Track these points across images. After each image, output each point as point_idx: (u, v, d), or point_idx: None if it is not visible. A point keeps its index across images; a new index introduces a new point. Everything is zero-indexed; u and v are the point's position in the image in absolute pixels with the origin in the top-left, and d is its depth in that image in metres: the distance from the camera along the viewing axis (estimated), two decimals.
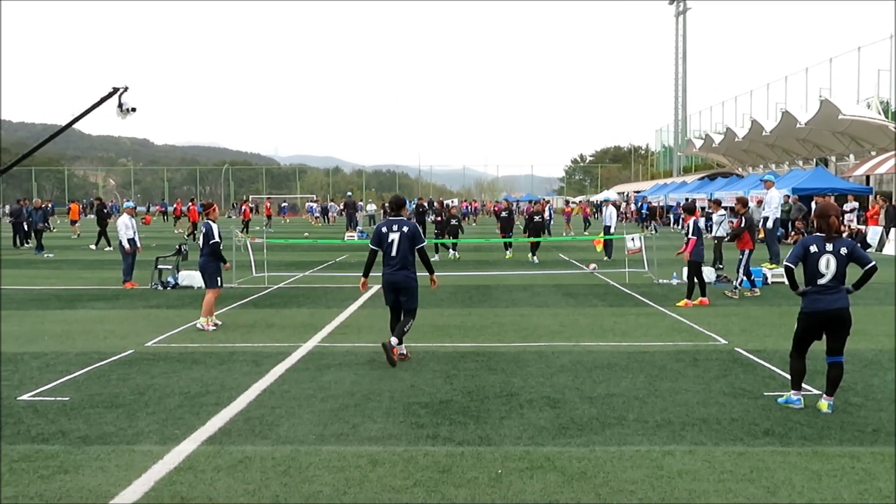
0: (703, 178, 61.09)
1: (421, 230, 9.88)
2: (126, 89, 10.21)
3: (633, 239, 20.63)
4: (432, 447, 6.28)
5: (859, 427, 6.78)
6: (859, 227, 30.10)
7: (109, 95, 9.98)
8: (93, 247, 30.98)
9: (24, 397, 7.91)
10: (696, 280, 14.48)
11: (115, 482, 5.53)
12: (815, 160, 47.97)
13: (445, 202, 33.52)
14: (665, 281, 17.89)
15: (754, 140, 51.04)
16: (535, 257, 24.16)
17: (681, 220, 40.37)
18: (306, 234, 41.67)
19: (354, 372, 8.99)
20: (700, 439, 6.45)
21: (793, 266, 7.34)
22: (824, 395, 7.37)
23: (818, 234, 7.37)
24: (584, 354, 9.94)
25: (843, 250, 7.20)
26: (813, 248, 7.25)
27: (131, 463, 5.93)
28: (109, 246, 31.24)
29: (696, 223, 14.62)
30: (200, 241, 12.43)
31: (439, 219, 26.25)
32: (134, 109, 10.11)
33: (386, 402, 7.67)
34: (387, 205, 10.51)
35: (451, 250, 26.65)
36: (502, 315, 13.30)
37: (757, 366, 9.24)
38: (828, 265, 7.18)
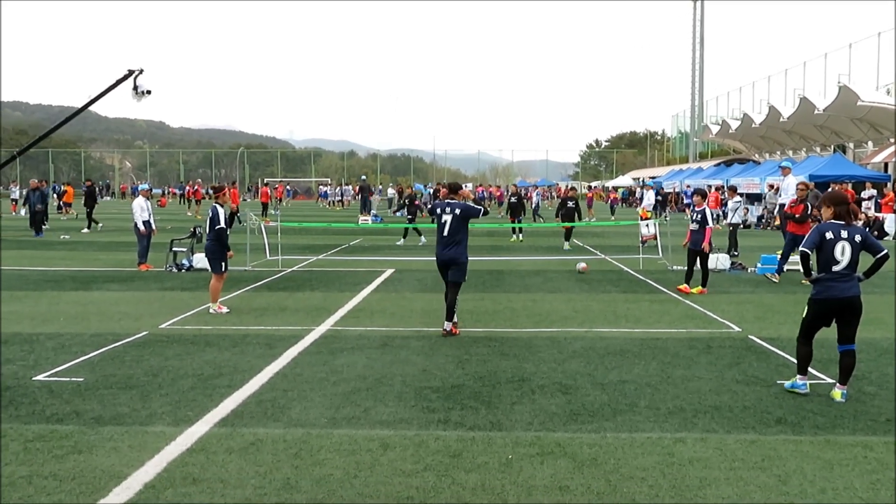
0: (719, 165, 60.78)
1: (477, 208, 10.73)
2: (141, 72, 10.22)
3: (647, 225, 20.57)
4: (443, 432, 6.29)
5: (873, 416, 6.74)
6: (876, 214, 29.85)
7: (125, 78, 10.00)
8: (86, 230, 30.88)
9: (40, 377, 7.98)
10: (694, 267, 14.25)
11: (128, 463, 5.57)
12: (832, 147, 47.59)
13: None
14: (679, 267, 17.77)
15: (771, 126, 50.70)
16: (566, 243, 23.80)
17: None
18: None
19: (367, 356, 9.01)
20: (712, 427, 6.43)
21: (809, 252, 7.29)
22: (837, 384, 7.33)
23: (835, 220, 7.29)
24: (596, 340, 9.92)
25: (858, 237, 7.17)
26: (829, 235, 7.19)
27: (144, 444, 5.97)
28: (98, 224, 31.33)
29: (708, 210, 14.24)
30: (207, 226, 12.39)
31: (406, 202, 26.73)
32: (149, 92, 10.12)
33: (398, 386, 7.69)
34: (444, 187, 11.58)
35: (421, 237, 25.89)
36: (515, 300, 13.28)
37: (770, 354, 9.19)
38: (843, 252, 7.13)
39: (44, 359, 8.82)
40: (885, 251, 7.23)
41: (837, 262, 7.14)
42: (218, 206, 12.32)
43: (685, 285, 14.27)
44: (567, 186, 28.89)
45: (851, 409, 6.93)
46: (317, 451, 5.82)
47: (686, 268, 14.50)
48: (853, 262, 7.16)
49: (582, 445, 5.96)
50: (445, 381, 7.89)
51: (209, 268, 12.42)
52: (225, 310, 11.95)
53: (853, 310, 7.20)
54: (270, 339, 9.99)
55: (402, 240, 25.24)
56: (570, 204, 24.22)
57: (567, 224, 24.05)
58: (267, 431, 6.29)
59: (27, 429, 6.34)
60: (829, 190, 8.91)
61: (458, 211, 10.38)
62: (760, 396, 7.35)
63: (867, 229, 28.52)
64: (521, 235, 27.18)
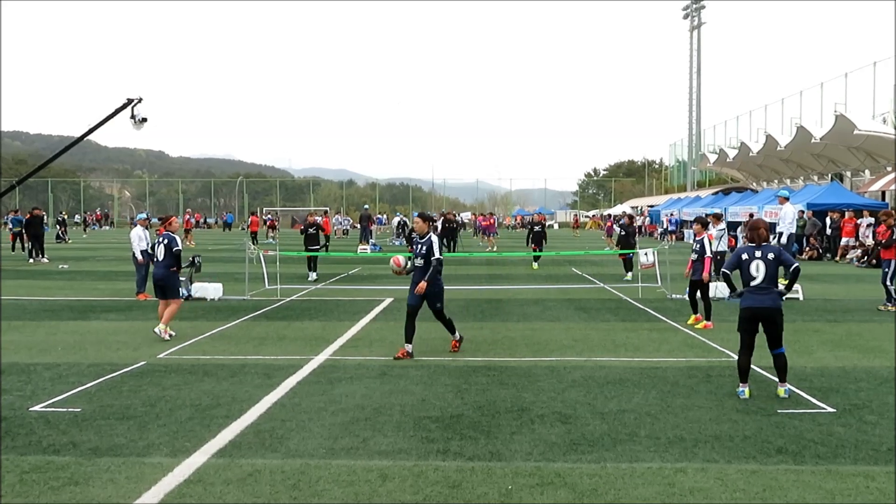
0: (717, 193, 60.82)
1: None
2: (140, 100, 10.30)
3: (646, 254, 20.57)
4: (442, 462, 6.25)
5: (874, 446, 6.71)
6: (874, 242, 29.85)
7: (124, 107, 10.06)
8: (31, 260, 30.29)
9: (36, 408, 7.94)
10: (697, 299, 13.84)
11: (125, 494, 5.53)
12: (830, 175, 47.75)
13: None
14: (678, 296, 17.76)
15: (769, 155, 50.92)
16: (629, 274, 22.41)
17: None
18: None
19: (365, 385, 8.98)
20: (712, 457, 6.39)
21: (729, 272, 8.69)
22: (779, 383, 8.43)
23: (749, 243, 8.48)
24: (595, 369, 9.89)
25: (771, 255, 8.32)
26: (744, 256, 8.42)
27: (141, 475, 5.93)
28: (41, 257, 30.46)
29: (706, 239, 13.85)
30: (160, 254, 12.71)
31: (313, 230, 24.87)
32: (145, 120, 10.19)
33: (396, 416, 7.65)
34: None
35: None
36: (514, 329, 13.25)
37: (770, 382, 9.14)
38: (758, 269, 8.30)
39: (41, 389, 8.78)
40: (797, 265, 8.55)
41: (754, 278, 8.32)
42: (171, 233, 12.85)
43: (694, 316, 13.92)
44: (626, 214, 28.92)
45: (852, 439, 6.90)
46: (315, 482, 5.78)
47: (688, 299, 14.23)
48: (768, 276, 8.27)
49: (582, 476, 5.92)
50: (444, 410, 7.85)
51: (168, 295, 12.61)
52: (169, 335, 12.17)
53: (771, 319, 8.31)
54: (269, 368, 9.96)
55: (313, 274, 23.48)
56: (622, 232, 23.67)
57: (623, 252, 23.07)
58: (265, 462, 6.25)
59: (23, 460, 6.30)
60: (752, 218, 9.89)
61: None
62: (761, 426, 7.31)
63: (865, 257, 28.68)
64: (535, 263, 27.24)
